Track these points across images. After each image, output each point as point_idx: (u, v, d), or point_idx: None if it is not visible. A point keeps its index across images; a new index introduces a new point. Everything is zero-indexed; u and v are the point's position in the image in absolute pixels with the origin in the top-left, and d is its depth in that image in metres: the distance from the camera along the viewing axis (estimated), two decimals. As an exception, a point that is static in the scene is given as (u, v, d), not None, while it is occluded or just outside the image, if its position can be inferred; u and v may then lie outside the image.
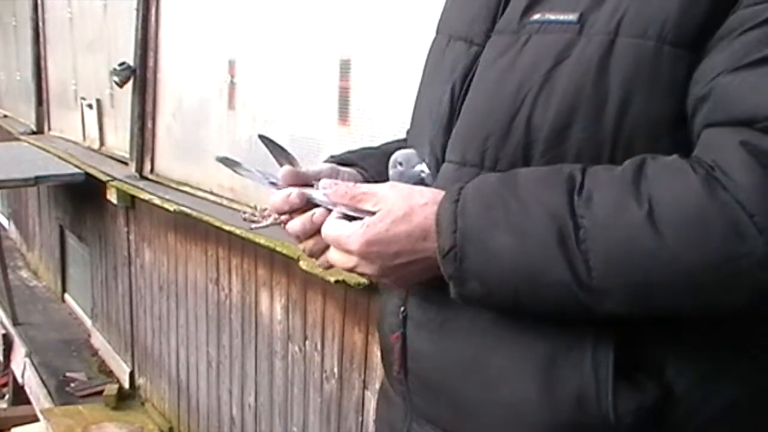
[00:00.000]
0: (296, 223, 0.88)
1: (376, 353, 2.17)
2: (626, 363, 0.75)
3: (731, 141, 0.67)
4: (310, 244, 0.89)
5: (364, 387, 2.23)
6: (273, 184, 0.91)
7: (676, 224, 0.65)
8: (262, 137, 0.92)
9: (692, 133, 0.73)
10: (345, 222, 0.82)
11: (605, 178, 0.70)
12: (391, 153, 0.89)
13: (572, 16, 0.76)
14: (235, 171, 0.96)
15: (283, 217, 0.90)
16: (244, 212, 0.97)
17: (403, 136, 1.16)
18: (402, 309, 0.90)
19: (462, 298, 0.77)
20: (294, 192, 0.87)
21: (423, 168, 0.86)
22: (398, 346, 0.91)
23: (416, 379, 0.90)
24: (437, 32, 0.98)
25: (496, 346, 0.81)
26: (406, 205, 0.78)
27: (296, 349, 2.56)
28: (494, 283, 0.74)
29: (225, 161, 0.95)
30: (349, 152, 1.04)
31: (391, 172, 0.88)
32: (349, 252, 0.81)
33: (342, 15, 2.34)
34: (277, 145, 0.92)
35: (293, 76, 2.58)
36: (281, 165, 0.91)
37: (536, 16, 0.80)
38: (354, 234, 0.79)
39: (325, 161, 0.98)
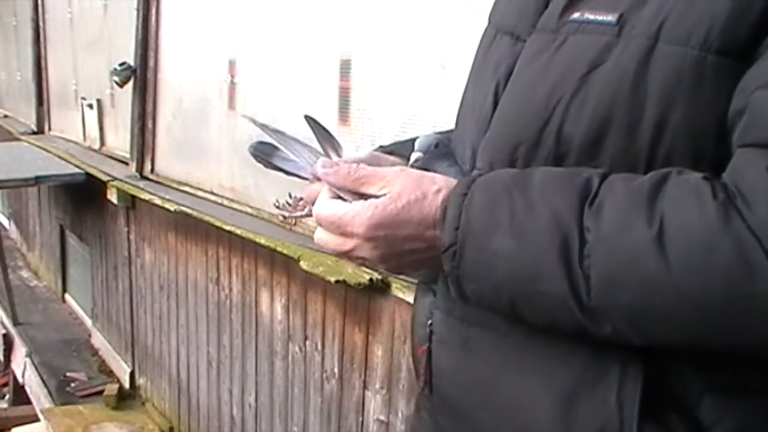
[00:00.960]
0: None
1: (377, 353, 2.17)
2: (655, 401, 0.69)
3: (758, 165, 0.61)
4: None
5: (365, 387, 2.23)
6: (305, 178, 0.86)
7: (683, 250, 0.60)
8: (308, 118, 0.85)
9: (732, 149, 0.66)
10: (340, 201, 0.77)
11: (621, 190, 0.65)
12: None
13: (611, 17, 0.70)
14: (264, 158, 0.89)
15: None
16: (277, 201, 0.92)
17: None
18: (429, 322, 0.86)
19: (461, 297, 0.74)
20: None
21: (416, 156, 0.82)
22: (424, 360, 0.86)
23: (439, 397, 0.86)
24: (489, 22, 0.91)
25: (517, 371, 0.76)
26: (418, 190, 0.74)
27: (296, 349, 2.56)
28: (490, 287, 0.70)
29: (259, 147, 0.89)
30: (399, 143, 0.98)
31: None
32: (351, 234, 0.75)
33: (342, 15, 2.34)
34: (323, 128, 0.85)
35: (293, 76, 2.58)
36: (324, 151, 0.85)
37: (575, 15, 0.74)
38: (360, 214, 0.74)
39: (373, 150, 0.92)
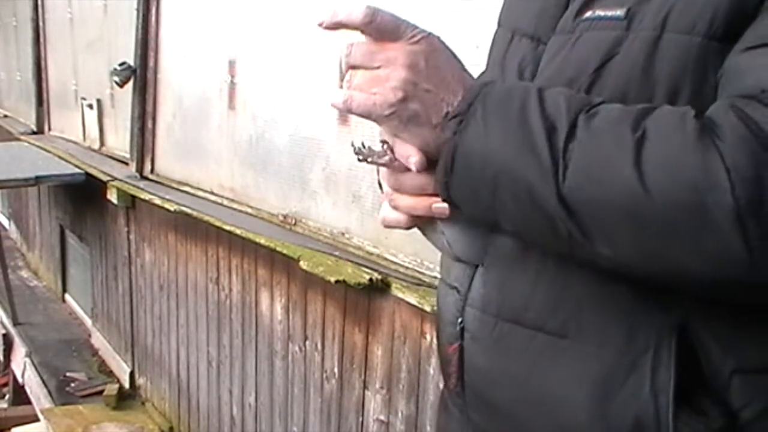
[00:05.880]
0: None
1: (377, 353, 2.17)
2: (689, 387, 0.71)
3: (724, 106, 0.65)
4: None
5: (364, 387, 2.23)
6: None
7: (658, 157, 0.64)
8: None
9: None
10: None
11: (617, 107, 0.69)
12: None
13: (620, 12, 0.74)
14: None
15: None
16: (355, 145, 0.84)
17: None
18: (459, 320, 0.88)
19: (447, 173, 0.74)
20: None
21: None
22: (456, 358, 0.89)
23: (473, 393, 0.88)
24: (499, 24, 0.95)
25: (550, 365, 0.79)
26: (460, 62, 0.77)
27: (296, 349, 2.56)
28: (479, 157, 0.72)
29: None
30: None
31: None
32: (400, 39, 0.77)
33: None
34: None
35: (293, 76, 2.58)
36: None
37: (588, 14, 0.78)
38: (420, 28, 0.77)
39: None
